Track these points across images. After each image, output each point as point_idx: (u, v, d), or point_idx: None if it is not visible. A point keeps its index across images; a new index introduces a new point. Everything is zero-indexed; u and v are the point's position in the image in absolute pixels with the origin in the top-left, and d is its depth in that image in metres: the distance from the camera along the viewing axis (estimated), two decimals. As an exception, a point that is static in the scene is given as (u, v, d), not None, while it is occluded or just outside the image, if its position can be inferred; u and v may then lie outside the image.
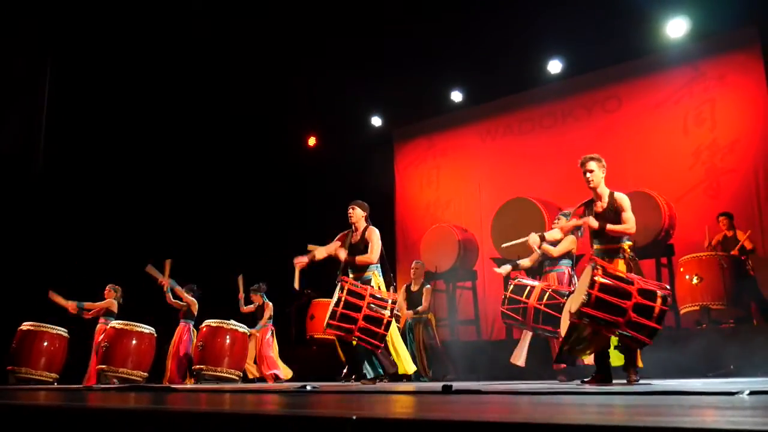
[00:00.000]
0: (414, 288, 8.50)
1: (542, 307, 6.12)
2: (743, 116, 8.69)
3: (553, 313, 5.96)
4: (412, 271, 8.65)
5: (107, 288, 9.18)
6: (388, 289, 6.42)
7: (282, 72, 10.59)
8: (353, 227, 6.43)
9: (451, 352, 8.51)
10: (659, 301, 4.65)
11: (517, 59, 9.84)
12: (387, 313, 5.94)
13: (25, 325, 8.82)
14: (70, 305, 8.95)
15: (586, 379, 5.11)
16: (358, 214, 6.38)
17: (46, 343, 8.81)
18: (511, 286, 6.46)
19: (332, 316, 5.85)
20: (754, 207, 8.40)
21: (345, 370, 6.55)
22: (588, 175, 5.07)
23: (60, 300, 8.94)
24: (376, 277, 6.30)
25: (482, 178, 11.04)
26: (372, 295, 5.98)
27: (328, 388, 5.45)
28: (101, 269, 9.60)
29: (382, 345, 6.06)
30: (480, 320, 10.05)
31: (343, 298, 5.85)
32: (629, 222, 4.96)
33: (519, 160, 10.58)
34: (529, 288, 6.31)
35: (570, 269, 6.51)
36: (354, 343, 6.11)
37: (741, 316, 7.50)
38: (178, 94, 10.69)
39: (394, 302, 6.12)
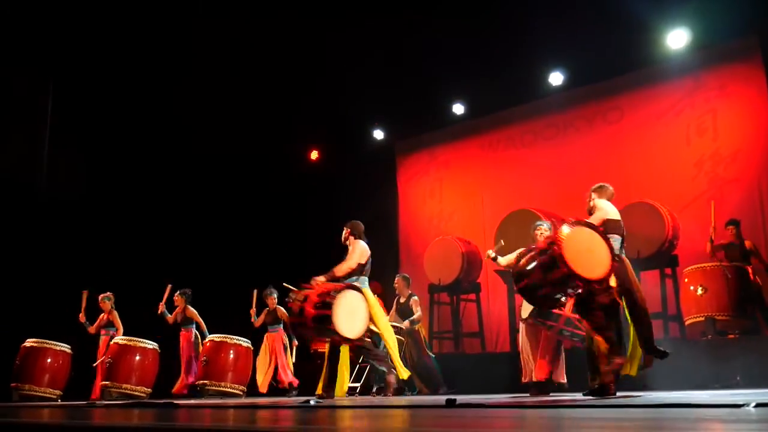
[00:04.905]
0: (402, 300, 8.56)
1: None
2: (745, 126, 8.69)
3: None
4: (395, 285, 8.70)
5: (101, 299, 9.17)
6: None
7: (283, 86, 10.63)
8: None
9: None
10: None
11: (518, 71, 9.85)
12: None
13: (29, 342, 8.83)
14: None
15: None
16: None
17: (49, 360, 8.82)
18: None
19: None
20: (758, 216, 8.37)
21: (323, 385, 6.22)
22: (591, 202, 5.38)
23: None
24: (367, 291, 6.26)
25: (485, 190, 11.04)
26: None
27: (332, 403, 5.43)
28: (107, 285, 9.59)
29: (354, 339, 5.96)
30: (485, 333, 10.00)
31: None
32: (595, 218, 5.12)
33: (521, 172, 10.58)
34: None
35: None
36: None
37: (746, 327, 7.45)
38: (180, 111, 10.72)
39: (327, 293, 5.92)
